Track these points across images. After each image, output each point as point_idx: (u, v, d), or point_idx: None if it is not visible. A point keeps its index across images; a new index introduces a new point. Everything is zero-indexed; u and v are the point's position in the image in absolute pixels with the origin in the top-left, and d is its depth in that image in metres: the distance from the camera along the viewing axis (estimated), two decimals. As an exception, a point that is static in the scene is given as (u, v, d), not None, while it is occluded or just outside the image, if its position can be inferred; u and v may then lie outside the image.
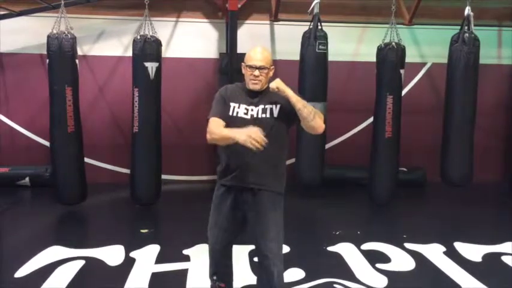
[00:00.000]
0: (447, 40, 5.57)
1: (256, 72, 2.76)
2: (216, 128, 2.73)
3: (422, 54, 7.09)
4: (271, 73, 2.85)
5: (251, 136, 2.50)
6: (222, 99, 2.85)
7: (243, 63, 2.85)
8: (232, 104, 2.82)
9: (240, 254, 3.96)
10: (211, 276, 3.13)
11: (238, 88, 2.91)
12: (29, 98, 6.52)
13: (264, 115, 2.79)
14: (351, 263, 4.10)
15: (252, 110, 2.80)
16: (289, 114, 2.78)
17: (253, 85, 2.79)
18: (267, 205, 2.82)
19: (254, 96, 2.83)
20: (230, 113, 2.80)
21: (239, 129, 2.62)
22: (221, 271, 3.12)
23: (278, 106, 2.79)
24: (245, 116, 2.78)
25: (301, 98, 2.73)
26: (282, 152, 2.91)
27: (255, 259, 3.90)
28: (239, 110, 2.81)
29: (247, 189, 2.82)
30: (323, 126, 2.78)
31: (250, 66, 2.77)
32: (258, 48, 2.84)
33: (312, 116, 2.71)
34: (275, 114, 2.79)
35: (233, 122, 2.76)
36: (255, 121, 2.75)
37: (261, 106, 2.80)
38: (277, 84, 2.69)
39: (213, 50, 6.82)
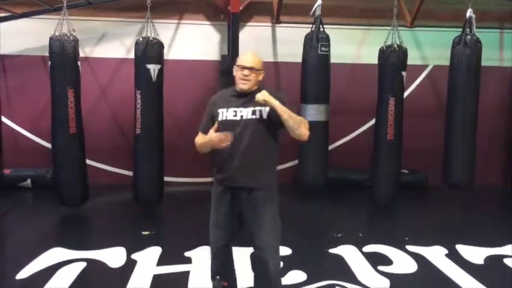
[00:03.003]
0: (449, 42, 5.57)
1: (246, 72, 2.89)
2: (198, 140, 3.01)
3: (424, 56, 7.09)
4: (260, 77, 2.97)
5: (214, 139, 2.78)
6: (207, 111, 3.06)
7: (234, 65, 2.98)
8: (220, 110, 2.94)
9: (242, 256, 3.95)
10: (213, 276, 3.15)
11: (228, 92, 3.04)
12: (30, 100, 6.54)
13: (253, 116, 2.89)
14: (352, 265, 4.09)
15: (241, 111, 2.90)
16: (278, 117, 2.85)
17: (242, 85, 2.92)
18: (260, 202, 2.92)
19: (243, 98, 2.93)
20: (220, 118, 2.92)
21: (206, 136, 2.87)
22: (223, 270, 3.14)
23: (267, 108, 2.87)
24: (234, 118, 2.90)
25: (288, 108, 2.83)
26: (272, 153, 3.01)
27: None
28: (227, 113, 2.92)
29: (241, 189, 2.93)
30: (307, 134, 2.90)
31: (241, 67, 2.90)
32: (249, 52, 3.01)
33: (297, 126, 2.85)
34: (264, 116, 2.89)
35: (224, 125, 2.88)
36: (245, 122, 2.87)
37: (251, 108, 2.90)
38: (264, 97, 2.80)
39: (215, 52, 6.83)
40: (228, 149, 2.83)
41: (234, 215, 3.00)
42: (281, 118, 2.81)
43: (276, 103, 2.79)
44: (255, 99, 2.84)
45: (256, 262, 3.03)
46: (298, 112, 5.39)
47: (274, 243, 2.96)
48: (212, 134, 2.80)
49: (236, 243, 3.21)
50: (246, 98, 2.92)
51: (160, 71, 5.32)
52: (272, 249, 2.94)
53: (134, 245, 4.44)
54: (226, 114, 2.92)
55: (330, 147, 6.26)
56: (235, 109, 2.91)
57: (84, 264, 4.01)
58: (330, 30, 5.63)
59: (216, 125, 2.84)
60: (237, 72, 2.94)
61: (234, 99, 2.95)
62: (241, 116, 2.88)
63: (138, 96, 5.28)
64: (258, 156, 2.90)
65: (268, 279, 2.93)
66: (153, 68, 5.25)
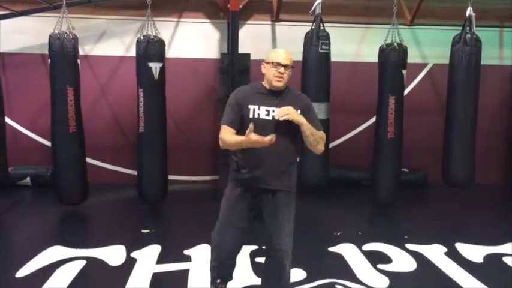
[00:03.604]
0: (449, 41, 5.56)
1: (282, 70, 2.86)
2: (229, 137, 2.82)
3: (424, 54, 7.09)
4: (290, 74, 2.95)
5: (260, 140, 2.62)
6: (235, 104, 2.91)
7: (264, 63, 2.93)
8: (251, 107, 2.87)
9: (242, 255, 3.94)
10: (214, 279, 3.13)
11: (254, 89, 2.96)
12: (30, 98, 6.52)
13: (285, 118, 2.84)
14: (352, 264, 4.09)
15: (273, 111, 2.85)
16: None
17: (277, 82, 2.87)
18: (282, 203, 2.93)
19: (274, 98, 2.89)
20: (251, 115, 2.85)
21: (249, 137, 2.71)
22: (226, 273, 3.13)
23: (298, 112, 2.85)
24: (267, 117, 2.85)
25: (312, 126, 2.83)
26: (295, 155, 3.01)
27: (257, 259, 3.93)
28: (260, 111, 2.86)
29: (265, 190, 2.90)
30: (323, 150, 2.94)
31: (277, 64, 2.85)
32: (282, 49, 2.98)
33: (316, 143, 2.87)
34: None
35: (256, 124, 2.76)
36: (276, 123, 2.82)
37: None
38: (291, 116, 2.75)
39: (214, 51, 6.82)
40: (256, 149, 2.76)
41: (250, 217, 2.97)
42: (303, 134, 2.81)
43: (302, 120, 2.78)
44: (285, 100, 2.85)
45: (270, 261, 3.03)
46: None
47: (291, 245, 3.00)
48: (259, 136, 2.65)
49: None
50: (278, 97, 2.89)
51: (162, 69, 5.31)
52: (289, 251, 2.99)
53: (134, 243, 4.43)
54: (258, 112, 2.86)
55: (330, 145, 6.26)
56: (267, 108, 2.85)
57: (83, 262, 4.01)
58: (330, 28, 5.62)
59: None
60: (269, 70, 2.88)
61: (264, 97, 2.89)
62: (273, 117, 2.84)
63: (141, 94, 5.27)
64: (285, 158, 2.90)
65: (282, 280, 2.98)
66: (155, 67, 5.24)
